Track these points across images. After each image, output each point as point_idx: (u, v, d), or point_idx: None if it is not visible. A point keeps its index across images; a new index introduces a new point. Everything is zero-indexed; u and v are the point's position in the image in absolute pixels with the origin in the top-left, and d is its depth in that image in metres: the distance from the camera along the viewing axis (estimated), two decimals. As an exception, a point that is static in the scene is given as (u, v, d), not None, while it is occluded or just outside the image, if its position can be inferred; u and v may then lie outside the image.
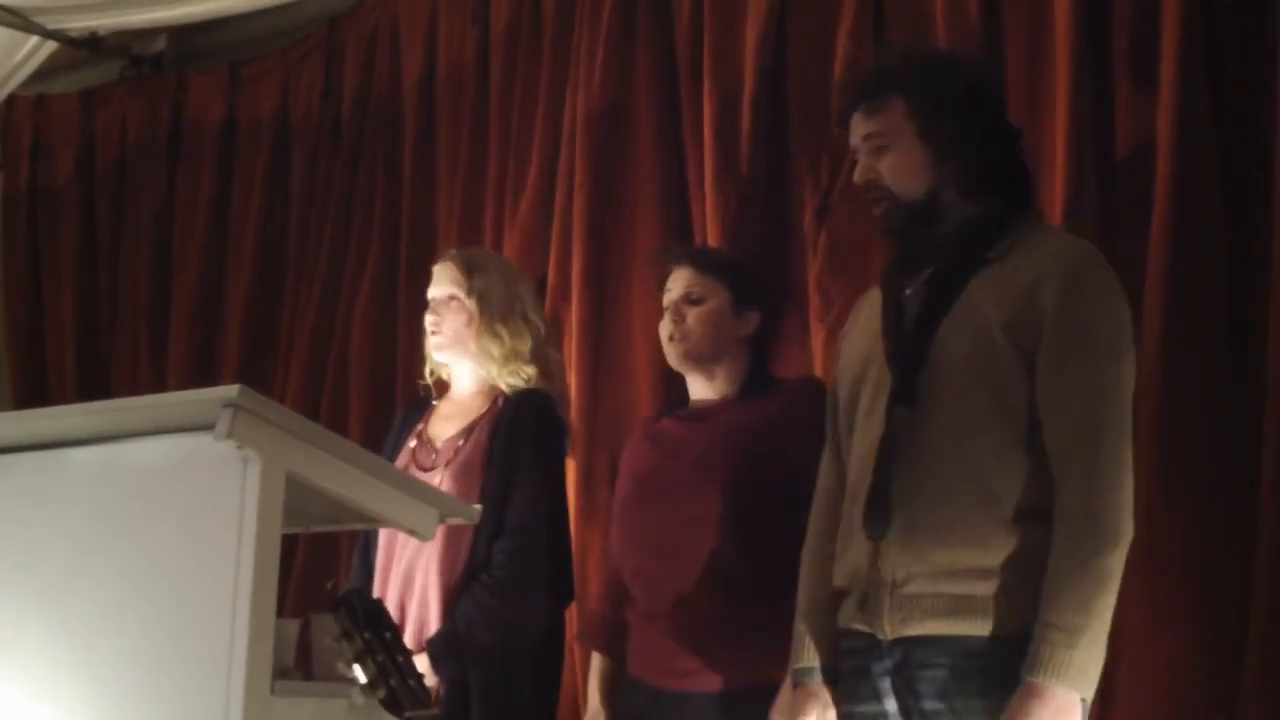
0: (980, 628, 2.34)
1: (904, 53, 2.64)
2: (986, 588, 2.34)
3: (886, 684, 2.42)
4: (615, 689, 3.14)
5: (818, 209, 3.39)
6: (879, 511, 2.42)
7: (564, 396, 3.37)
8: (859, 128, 2.56)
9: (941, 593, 2.36)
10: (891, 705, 2.42)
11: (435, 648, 3.09)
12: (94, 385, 4.96)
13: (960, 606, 2.35)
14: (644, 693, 3.03)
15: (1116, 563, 2.30)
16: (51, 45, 4.86)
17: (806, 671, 2.58)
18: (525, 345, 3.29)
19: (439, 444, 3.30)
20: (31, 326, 5.28)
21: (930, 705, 2.36)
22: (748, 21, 3.58)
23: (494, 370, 3.30)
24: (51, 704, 2.37)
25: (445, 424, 3.34)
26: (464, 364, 3.35)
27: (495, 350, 3.28)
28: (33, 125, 5.35)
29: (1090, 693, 2.29)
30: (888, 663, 2.41)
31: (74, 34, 4.89)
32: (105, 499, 2.42)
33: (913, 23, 3.31)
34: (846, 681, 2.51)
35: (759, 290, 3.15)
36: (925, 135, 2.49)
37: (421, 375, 3.45)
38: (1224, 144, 2.89)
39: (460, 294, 3.31)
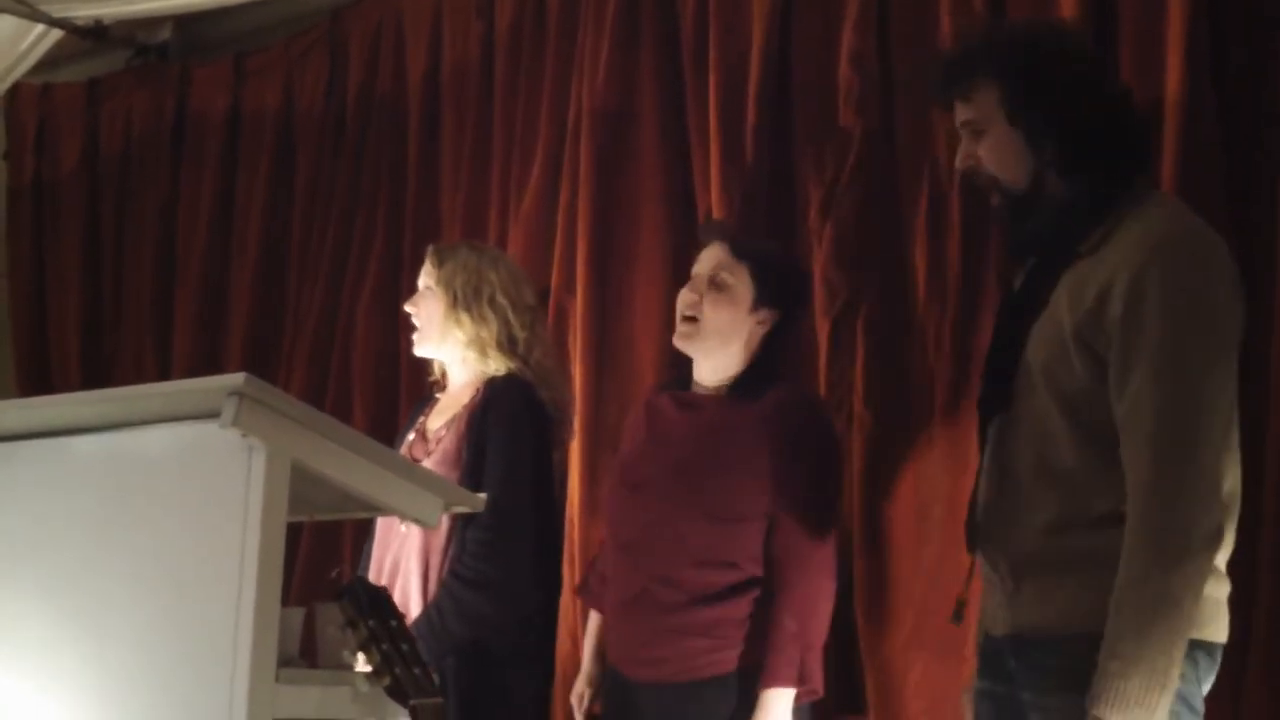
0: (1061, 628, 2.29)
1: (990, 33, 2.50)
2: (1062, 587, 2.30)
3: (1015, 673, 2.41)
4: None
5: (822, 203, 3.39)
6: (969, 526, 2.44)
7: (549, 382, 3.34)
8: (957, 114, 2.46)
9: (1024, 596, 2.35)
10: (1023, 694, 2.38)
11: None
12: (98, 382, 4.93)
13: (1040, 608, 2.33)
14: (615, 678, 3.06)
15: (1180, 582, 2.18)
16: (57, 34, 4.83)
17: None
18: (490, 330, 3.28)
19: (430, 436, 3.31)
20: (36, 324, 5.26)
21: (1030, 699, 2.34)
22: (752, 16, 3.58)
23: (464, 357, 3.30)
24: (55, 694, 2.38)
25: (439, 417, 3.36)
26: (446, 354, 3.37)
27: (460, 335, 3.29)
28: (38, 114, 5.32)
29: None
30: (1009, 657, 2.40)
31: (79, 22, 4.86)
32: (109, 487, 2.43)
33: (917, 18, 3.31)
34: (987, 662, 2.49)
35: (783, 289, 3.09)
36: (1017, 121, 2.36)
37: (429, 371, 3.47)
38: (1227, 143, 2.89)
39: (432, 284, 3.33)
